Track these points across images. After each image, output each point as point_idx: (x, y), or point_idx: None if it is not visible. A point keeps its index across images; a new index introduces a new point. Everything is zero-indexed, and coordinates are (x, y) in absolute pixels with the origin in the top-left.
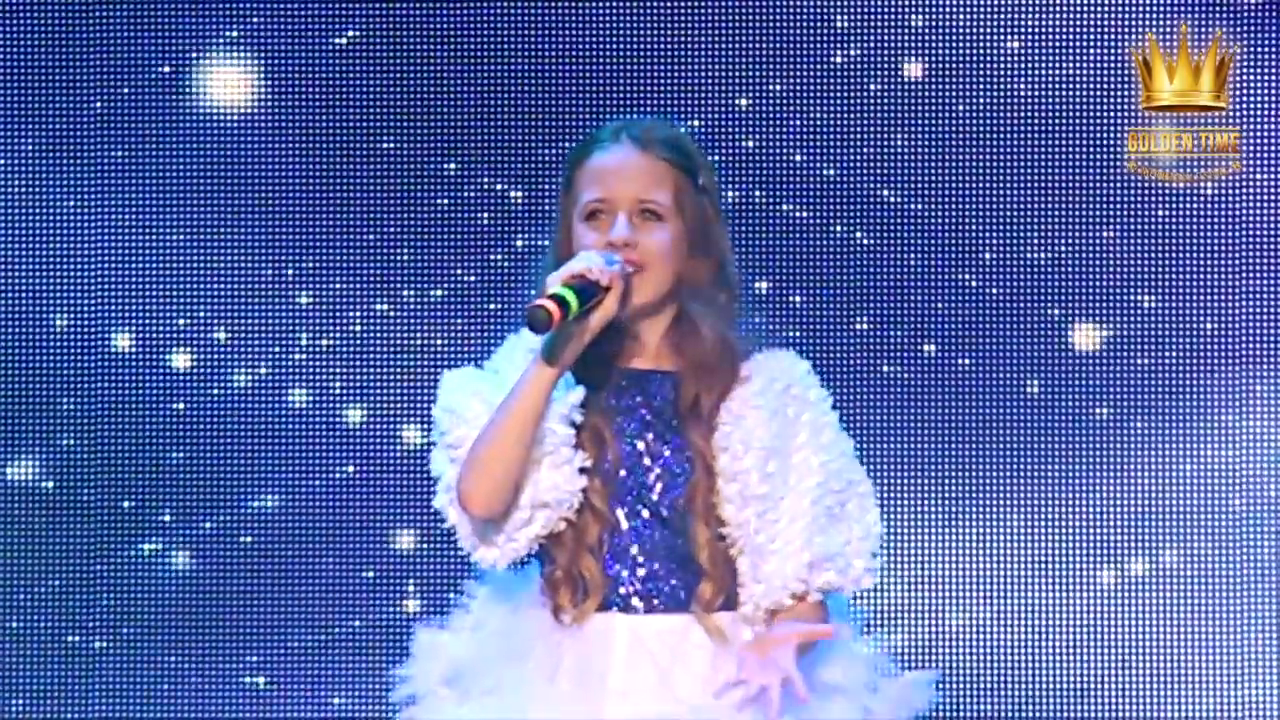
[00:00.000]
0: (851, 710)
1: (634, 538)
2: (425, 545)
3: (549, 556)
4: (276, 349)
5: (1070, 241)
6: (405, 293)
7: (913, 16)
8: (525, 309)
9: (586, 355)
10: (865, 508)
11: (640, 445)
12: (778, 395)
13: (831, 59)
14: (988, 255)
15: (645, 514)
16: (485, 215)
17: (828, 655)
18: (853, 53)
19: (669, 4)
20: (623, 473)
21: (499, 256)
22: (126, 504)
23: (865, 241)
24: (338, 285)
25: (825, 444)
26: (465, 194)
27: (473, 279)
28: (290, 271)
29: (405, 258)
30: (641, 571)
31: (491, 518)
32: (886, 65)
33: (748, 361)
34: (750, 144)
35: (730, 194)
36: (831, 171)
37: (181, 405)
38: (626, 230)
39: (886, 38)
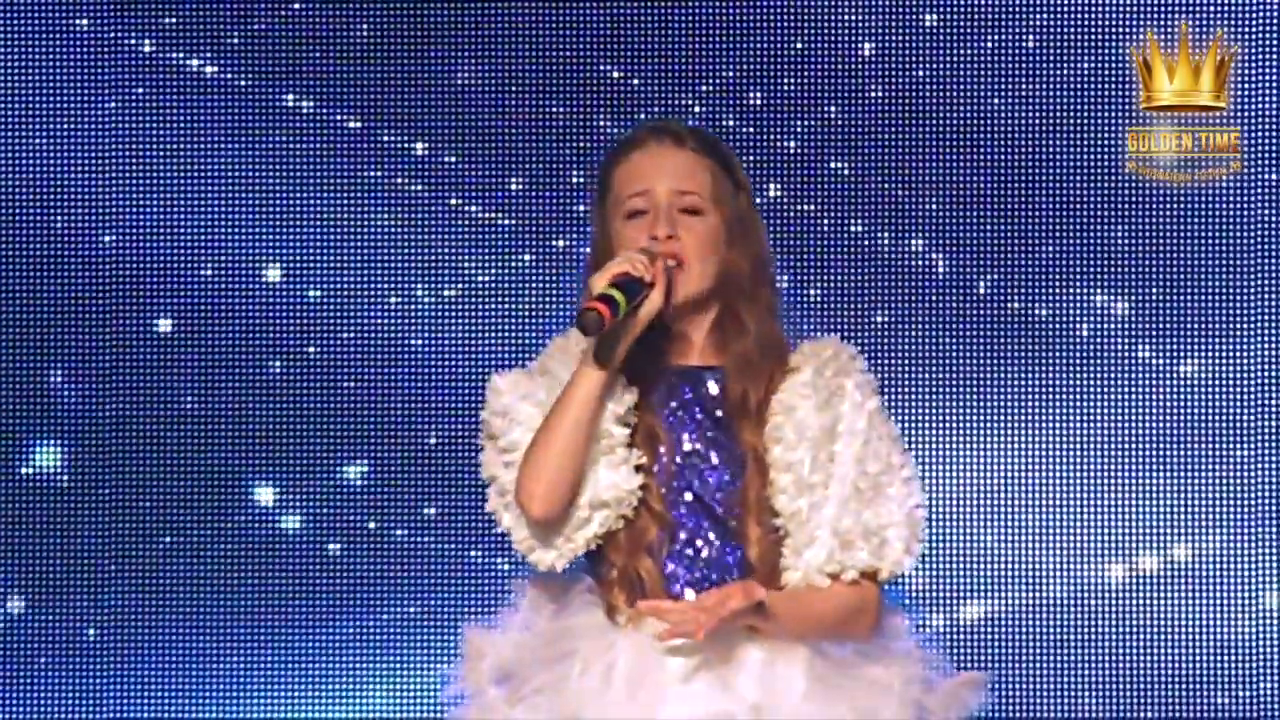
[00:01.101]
0: (904, 707)
1: (690, 536)
2: (433, 542)
3: (604, 558)
4: (288, 346)
5: (1070, 241)
6: (418, 291)
7: (926, 16)
8: (576, 312)
9: (636, 355)
10: (909, 492)
11: (694, 444)
12: (827, 383)
13: (842, 58)
14: (1001, 255)
15: (701, 512)
16: (501, 215)
17: (882, 651)
18: (866, 51)
19: (685, 3)
20: (677, 471)
21: (514, 256)
22: (144, 502)
23: (880, 238)
24: (347, 283)
25: (860, 428)
26: (479, 193)
27: (487, 279)
28: (299, 268)
29: (418, 257)
30: (697, 571)
31: (550, 519)
32: (894, 65)
33: (795, 352)
34: (765, 142)
35: None
36: (846, 169)
37: (192, 403)
38: (668, 224)
39: (897, 38)
